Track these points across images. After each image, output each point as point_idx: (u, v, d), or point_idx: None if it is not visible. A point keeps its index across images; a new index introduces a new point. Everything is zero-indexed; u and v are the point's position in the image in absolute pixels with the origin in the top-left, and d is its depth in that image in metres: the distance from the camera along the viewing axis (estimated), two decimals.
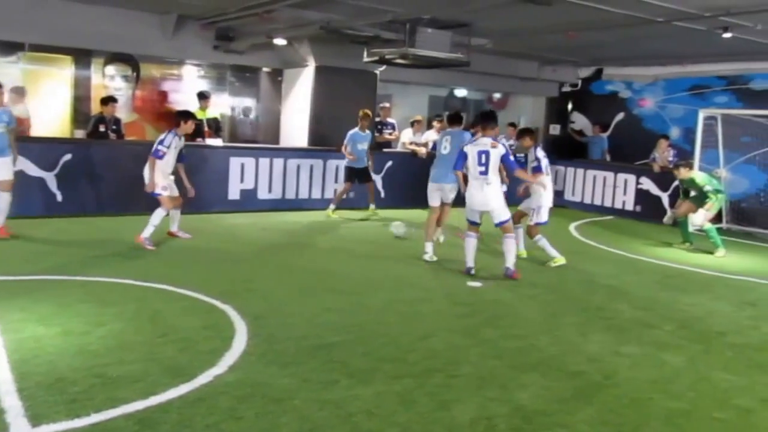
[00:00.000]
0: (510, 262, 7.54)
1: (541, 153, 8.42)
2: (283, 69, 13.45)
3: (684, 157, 12.49)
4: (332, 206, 11.52)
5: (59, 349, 4.67)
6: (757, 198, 12.41)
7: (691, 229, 10.31)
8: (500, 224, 7.56)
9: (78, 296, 5.96)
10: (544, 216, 8.39)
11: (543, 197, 8.35)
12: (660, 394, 4.53)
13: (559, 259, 8.37)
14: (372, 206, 11.76)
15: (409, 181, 12.36)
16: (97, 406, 3.80)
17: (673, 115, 14.72)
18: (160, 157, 8.21)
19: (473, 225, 7.67)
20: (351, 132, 11.32)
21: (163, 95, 13.95)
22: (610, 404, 4.33)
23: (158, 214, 8.25)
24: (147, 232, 8.12)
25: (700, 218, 10.01)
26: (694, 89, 14.31)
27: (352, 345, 5.15)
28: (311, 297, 6.45)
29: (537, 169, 8.27)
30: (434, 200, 8.64)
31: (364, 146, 11.31)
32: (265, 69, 14.15)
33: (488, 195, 7.43)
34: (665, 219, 11.30)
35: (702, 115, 12.22)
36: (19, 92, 11.93)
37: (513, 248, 7.63)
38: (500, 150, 7.37)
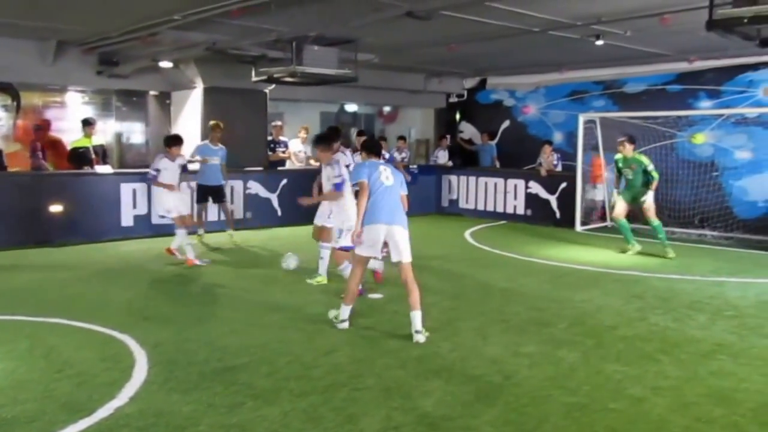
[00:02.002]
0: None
1: (348, 163, 7.51)
2: (170, 91, 13.14)
3: (567, 157, 13.19)
4: (200, 231, 10.85)
5: None
6: None
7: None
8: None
9: None
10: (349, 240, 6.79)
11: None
12: (558, 390, 4.71)
13: (322, 279, 7.92)
14: (230, 230, 10.75)
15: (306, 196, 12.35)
16: None
17: (555, 120, 15.44)
18: (152, 178, 8.97)
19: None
20: (199, 144, 10.69)
21: (47, 123, 13.32)
22: (512, 404, 4.47)
23: (180, 235, 8.92)
24: (189, 254, 8.83)
25: (651, 213, 9.97)
26: (574, 95, 15.07)
27: (256, 366, 5.09)
28: (211, 320, 6.32)
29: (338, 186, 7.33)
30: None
31: (215, 161, 10.56)
32: (152, 92, 13.80)
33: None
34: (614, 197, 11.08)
35: (582, 119, 12.96)
36: None
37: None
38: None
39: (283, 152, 13.64)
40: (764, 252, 10.49)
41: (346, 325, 6.09)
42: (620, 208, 10.23)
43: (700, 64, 12.68)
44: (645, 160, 10.02)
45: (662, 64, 12.99)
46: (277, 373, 4.94)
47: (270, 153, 13.25)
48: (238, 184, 11.97)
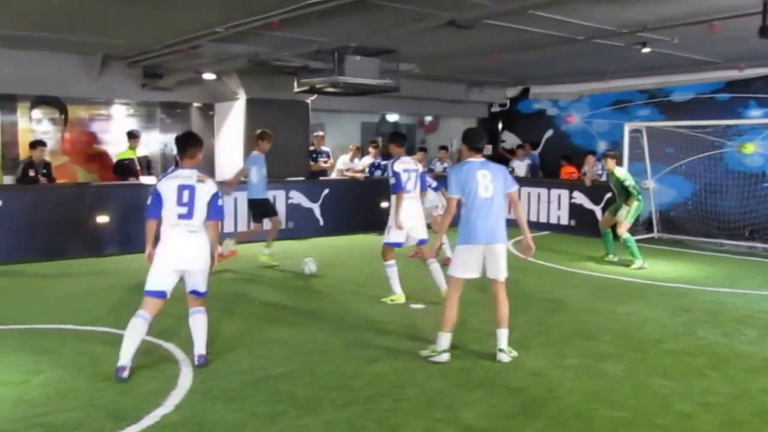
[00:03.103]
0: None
1: (398, 167, 7.47)
2: (213, 103, 13.35)
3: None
4: (265, 251, 9.79)
5: None
6: (685, 206, 12.88)
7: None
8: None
9: (13, 346, 5.76)
10: (390, 236, 7.45)
11: (391, 216, 7.50)
12: (603, 405, 4.61)
13: (397, 297, 7.47)
14: (267, 250, 9.73)
15: (347, 207, 12.43)
16: None
17: (599, 129, 15.22)
18: None
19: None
20: (254, 154, 9.63)
21: (92, 136, 13.67)
22: (556, 417, 4.38)
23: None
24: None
25: (623, 228, 10.00)
26: (618, 104, 14.83)
27: (298, 375, 5.10)
28: (253, 330, 6.36)
29: (395, 187, 7.45)
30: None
31: (264, 171, 9.71)
32: (195, 104, 14.04)
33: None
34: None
35: (627, 128, 12.69)
36: None
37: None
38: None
39: (325, 162, 13.74)
40: None
41: (446, 357, 5.40)
42: (605, 219, 10.60)
43: (750, 72, 12.27)
44: (620, 175, 10.06)
45: (710, 72, 12.62)
46: (319, 383, 4.94)
47: (311, 163, 13.35)
48: (280, 194, 12.05)
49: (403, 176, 7.44)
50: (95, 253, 10.16)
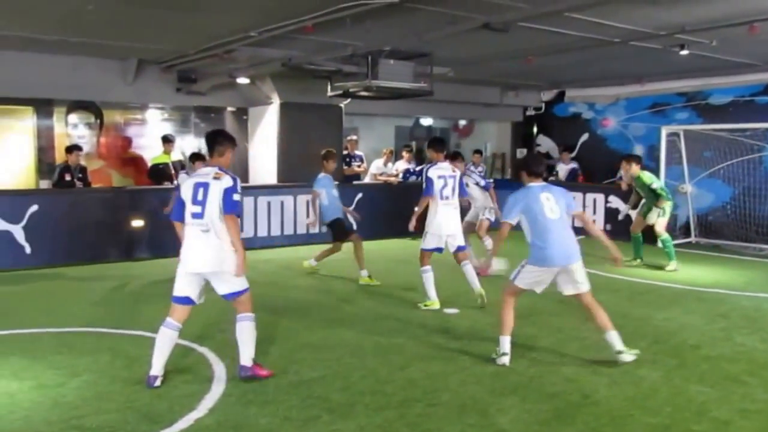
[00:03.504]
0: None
1: (433, 173, 7.49)
2: (247, 107, 13.48)
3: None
4: (313, 262, 9.63)
5: (34, 403, 4.58)
6: (723, 211, 12.62)
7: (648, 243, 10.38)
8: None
9: (50, 348, 5.85)
10: (427, 242, 7.49)
11: (428, 222, 7.53)
12: (639, 411, 4.54)
13: (432, 303, 7.43)
14: (364, 272, 8.98)
15: (381, 211, 12.42)
16: None
17: (635, 133, 14.99)
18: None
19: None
20: (321, 176, 9.24)
21: (128, 141, 13.89)
22: (591, 423, 4.33)
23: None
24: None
25: (660, 226, 9.98)
26: (655, 107, 14.60)
27: (331, 380, 5.11)
28: (286, 334, 6.38)
29: (424, 191, 7.50)
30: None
31: (335, 192, 9.37)
32: (229, 108, 14.18)
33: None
34: (622, 212, 11.54)
35: (665, 132, 12.49)
36: None
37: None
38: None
39: (359, 166, 13.75)
40: None
41: (506, 359, 5.43)
42: (636, 223, 10.46)
43: None
44: (646, 178, 9.99)
45: (750, 75, 12.39)
46: (352, 388, 4.94)
47: (345, 167, 13.38)
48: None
49: (438, 182, 7.43)
50: (130, 257, 10.31)
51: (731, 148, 12.28)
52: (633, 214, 10.98)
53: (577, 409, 4.57)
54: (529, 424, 4.31)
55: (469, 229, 9.41)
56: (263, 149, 13.05)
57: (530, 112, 17.02)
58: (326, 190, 9.19)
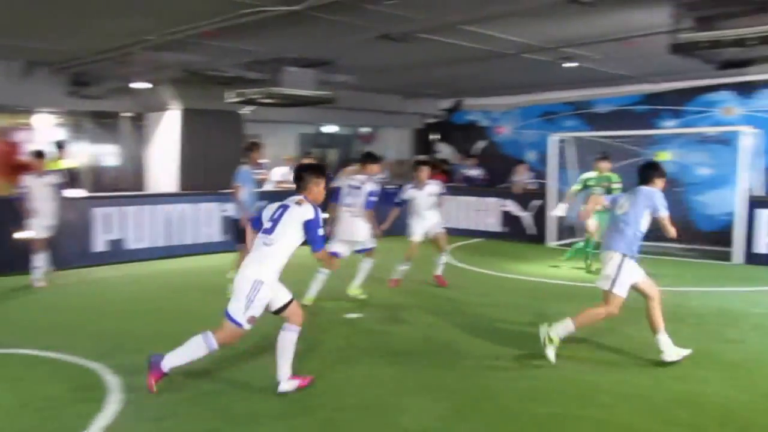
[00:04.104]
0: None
1: (342, 182, 8.00)
2: (145, 113, 13.11)
3: (540, 176, 13.44)
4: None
5: None
6: (608, 210, 13.33)
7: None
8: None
9: None
10: (331, 246, 7.51)
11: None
12: (533, 403, 4.80)
13: (309, 299, 7.65)
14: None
15: None
16: None
17: (529, 140, 15.68)
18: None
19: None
20: (243, 170, 8.64)
21: (15, 147, 13.19)
22: (488, 417, 4.54)
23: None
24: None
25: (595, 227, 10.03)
26: (546, 115, 15.36)
27: (233, 390, 5.06)
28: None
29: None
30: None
31: (254, 188, 8.80)
32: (126, 114, 13.73)
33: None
34: (554, 212, 11.45)
35: (553, 138, 13.22)
36: None
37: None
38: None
39: (261, 174, 13.63)
40: (724, 262, 10.90)
41: (686, 351, 5.75)
42: (594, 224, 10.05)
43: (663, 86, 13.17)
44: (616, 178, 10.15)
45: (629, 86, 13.41)
46: (254, 397, 4.91)
47: None
48: (214, 207, 11.91)
49: (343, 190, 7.72)
50: (15, 271, 9.39)
51: (615, 153, 13.05)
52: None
53: (476, 404, 4.77)
54: (429, 421, 4.47)
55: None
56: (162, 156, 12.74)
57: (430, 120, 17.46)
58: (246, 185, 8.56)
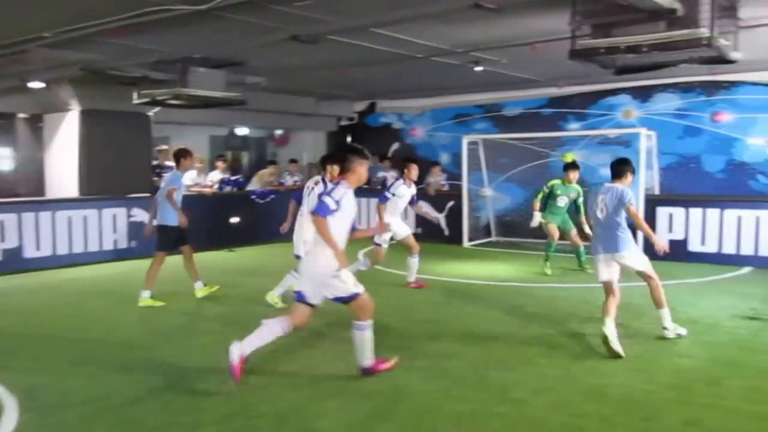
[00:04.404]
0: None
1: (309, 183, 7.83)
2: (43, 114, 12.47)
3: (453, 177, 13.65)
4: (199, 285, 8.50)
5: None
6: (518, 211, 13.76)
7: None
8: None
9: None
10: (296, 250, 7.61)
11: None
12: (449, 400, 4.86)
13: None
14: (199, 284, 8.47)
15: (197, 224, 12.02)
16: None
17: (441, 142, 15.91)
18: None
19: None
20: (175, 173, 8.33)
21: None
22: (406, 417, 4.56)
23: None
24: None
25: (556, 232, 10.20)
26: (458, 118, 15.63)
27: (146, 402, 4.88)
28: (92, 358, 5.99)
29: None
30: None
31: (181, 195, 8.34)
32: (21, 115, 13.02)
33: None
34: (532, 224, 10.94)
35: (465, 140, 13.47)
36: None
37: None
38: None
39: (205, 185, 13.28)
40: None
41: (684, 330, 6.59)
42: (555, 230, 10.26)
43: (568, 90, 13.68)
44: (581, 190, 10.21)
45: (535, 89, 13.83)
46: (168, 408, 4.76)
47: (156, 179, 12.81)
48: (121, 212, 11.45)
49: (304, 192, 7.61)
50: None
51: (523, 155, 13.54)
52: None
53: (394, 404, 4.78)
54: (348, 424, 4.44)
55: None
56: (61, 159, 12.13)
57: (344, 122, 17.46)
58: (180, 189, 8.22)
